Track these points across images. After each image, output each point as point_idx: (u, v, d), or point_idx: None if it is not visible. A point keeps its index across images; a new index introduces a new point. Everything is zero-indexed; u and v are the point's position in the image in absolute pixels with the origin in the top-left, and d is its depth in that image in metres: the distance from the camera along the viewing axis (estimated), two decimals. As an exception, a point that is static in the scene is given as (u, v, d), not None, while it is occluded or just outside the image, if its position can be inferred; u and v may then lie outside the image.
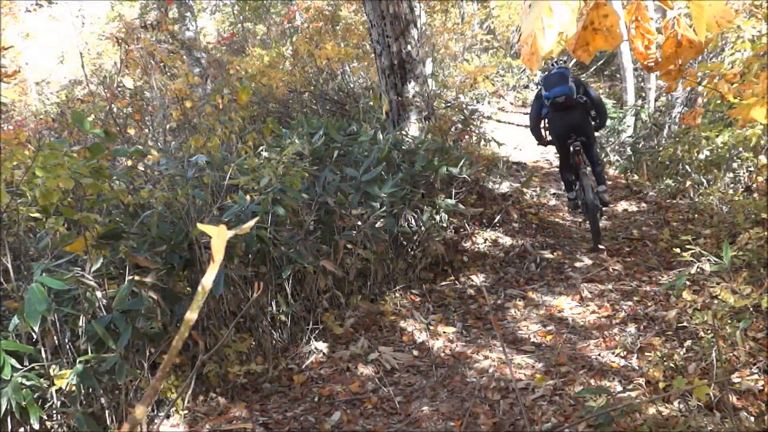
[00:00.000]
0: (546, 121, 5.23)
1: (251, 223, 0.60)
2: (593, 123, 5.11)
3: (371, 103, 6.64)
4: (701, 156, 5.92)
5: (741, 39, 4.30)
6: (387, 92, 5.90)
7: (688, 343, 3.27)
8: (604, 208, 5.32)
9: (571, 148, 4.98)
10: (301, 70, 8.50)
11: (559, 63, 5.25)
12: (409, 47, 5.78)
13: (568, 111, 4.95)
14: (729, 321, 2.99)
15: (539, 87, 5.23)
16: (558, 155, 5.45)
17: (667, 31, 1.30)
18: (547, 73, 5.17)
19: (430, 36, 11.97)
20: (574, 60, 16.50)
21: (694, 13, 1.18)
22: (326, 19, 9.44)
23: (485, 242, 5.44)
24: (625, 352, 3.49)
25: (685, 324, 3.48)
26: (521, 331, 4.02)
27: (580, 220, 5.90)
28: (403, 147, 5.22)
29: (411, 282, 4.74)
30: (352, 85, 8.27)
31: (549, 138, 5.28)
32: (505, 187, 6.38)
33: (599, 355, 3.53)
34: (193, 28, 9.85)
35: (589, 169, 5.11)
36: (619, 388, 3.09)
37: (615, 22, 1.09)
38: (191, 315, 0.52)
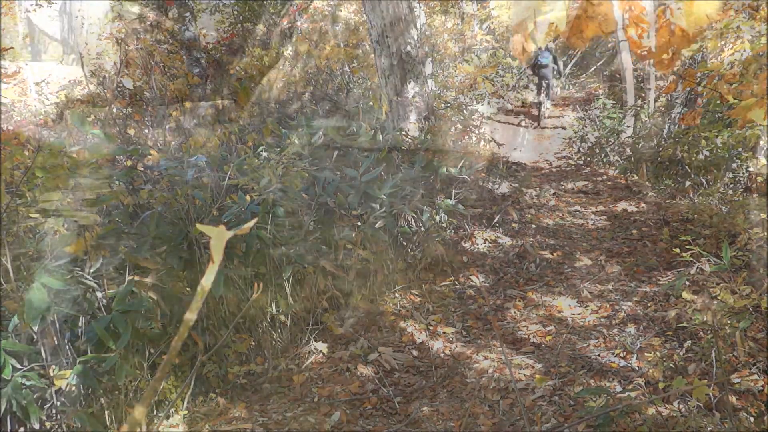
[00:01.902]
0: (536, 68, 11.26)
1: (251, 223, 0.60)
2: (554, 73, 11.40)
3: (371, 103, 6.64)
4: (701, 156, 5.92)
5: (740, 39, 4.30)
6: (387, 92, 5.91)
7: (688, 343, 3.27)
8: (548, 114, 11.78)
9: (543, 84, 11.19)
10: (301, 70, 8.50)
11: (548, 46, 11.32)
12: (408, 47, 5.78)
13: (545, 68, 11.04)
14: (728, 321, 2.99)
15: (538, 54, 11.18)
16: (536, 85, 11.64)
17: (661, 20, 1.31)
18: (541, 50, 11.12)
19: (430, 36, 11.97)
20: (576, 57, 16.39)
21: (685, 9, 1.20)
22: (326, 19, 9.44)
23: (485, 242, 5.45)
24: (624, 353, 3.49)
25: (684, 324, 3.48)
26: (521, 332, 4.02)
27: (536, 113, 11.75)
28: (403, 147, 5.22)
29: (411, 282, 4.74)
30: (351, 85, 8.26)
31: (535, 75, 11.49)
32: (504, 187, 6.38)
33: (599, 355, 3.53)
34: (193, 28, 9.84)
35: (544, 91, 11.23)
36: (619, 388, 3.09)
37: (608, 8, 1.12)
38: (190, 315, 0.52)
